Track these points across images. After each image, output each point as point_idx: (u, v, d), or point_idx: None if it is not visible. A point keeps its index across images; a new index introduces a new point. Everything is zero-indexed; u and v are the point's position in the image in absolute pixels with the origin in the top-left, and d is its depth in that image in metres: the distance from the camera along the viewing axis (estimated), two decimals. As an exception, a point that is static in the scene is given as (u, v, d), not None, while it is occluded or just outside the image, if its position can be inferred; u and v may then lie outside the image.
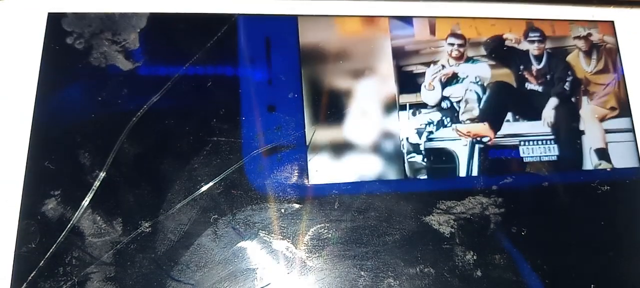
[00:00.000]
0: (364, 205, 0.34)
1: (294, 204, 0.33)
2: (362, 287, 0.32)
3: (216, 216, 0.32)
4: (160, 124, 0.33)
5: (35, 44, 0.33)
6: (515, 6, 0.40)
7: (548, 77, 0.39)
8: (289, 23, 0.36)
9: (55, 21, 0.34)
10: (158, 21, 0.35)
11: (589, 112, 0.39)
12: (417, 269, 0.33)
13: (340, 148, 0.35)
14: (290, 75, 0.35)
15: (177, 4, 0.35)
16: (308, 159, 0.34)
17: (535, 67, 0.39)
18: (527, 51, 0.39)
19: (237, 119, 0.34)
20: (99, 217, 0.31)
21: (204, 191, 0.33)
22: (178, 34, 0.35)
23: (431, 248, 0.34)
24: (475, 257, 0.34)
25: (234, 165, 0.33)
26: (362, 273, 0.33)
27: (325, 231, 0.33)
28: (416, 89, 0.37)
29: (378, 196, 0.34)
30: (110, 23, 0.34)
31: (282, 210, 0.33)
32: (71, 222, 0.31)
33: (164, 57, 0.34)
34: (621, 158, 0.38)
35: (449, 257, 0.34)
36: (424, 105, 0.37)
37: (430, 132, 0.37)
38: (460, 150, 0.37)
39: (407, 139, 0.36)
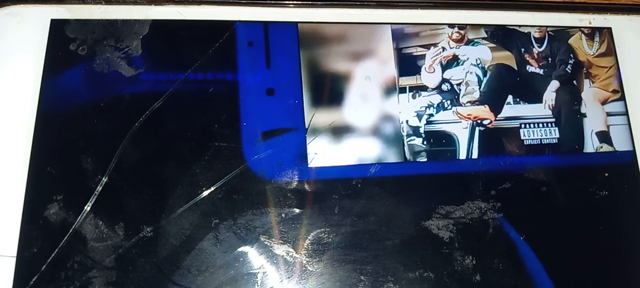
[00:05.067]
0: (364, 209, 0.34)
1: (295, 209, 0.33)
2: (362, 292, 0.33)
3: (217, 221, 0.33)
4: (162, 129, 0.33)
5: (38, 50, 0.33)
6: (513, 14, 0.40)
7: (549, 59, 0.39)
8: (289, 30, 0.37)
9: (58, 27, 0.34)
10: (160, 28, 0.35)
11: (590, 94, 0.39)
12: (417, 273, 0.33)
13: (339, 131, 0.35)
14: (291, 82, 0.36)
15: (179, 12, 0.36)
16: (307, 142, 0.35)
17: (536, 49, 0.39)
18: (528, 33, 0.39)
19: (237, 124, 0.34)
20: (101, 222, 0.31)
21: (205, 196, 0.33)
22: (180, 41, 0.35)
23: (430, 253, 0.34)
24: (474, 262, 0.34)
25: (235, 170, 0.33)
26: (362, 277, 0.33)
27: (326, 235, 0.33)
28: (416, 71, 0.37)
29: (377, 200, 0.34)
30: (112, 30, 0.35)
31: (283, 215, 0.33)
32: (73, 227, 0.31)
33: (166, 63, 0.35)
34: (623, 141, 0.38)
35: (448, 262, 0.34)
36: (424, 88, 0.37)
37: (430, 115, 0.37)
38: (461, 132, 0.37)
39: (407, 121, 0.36)
